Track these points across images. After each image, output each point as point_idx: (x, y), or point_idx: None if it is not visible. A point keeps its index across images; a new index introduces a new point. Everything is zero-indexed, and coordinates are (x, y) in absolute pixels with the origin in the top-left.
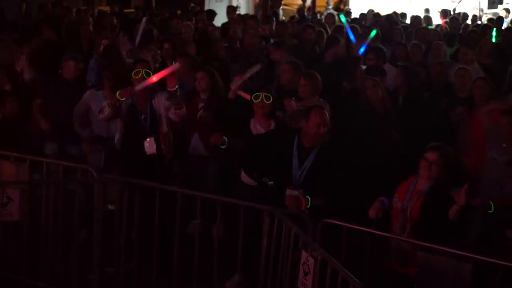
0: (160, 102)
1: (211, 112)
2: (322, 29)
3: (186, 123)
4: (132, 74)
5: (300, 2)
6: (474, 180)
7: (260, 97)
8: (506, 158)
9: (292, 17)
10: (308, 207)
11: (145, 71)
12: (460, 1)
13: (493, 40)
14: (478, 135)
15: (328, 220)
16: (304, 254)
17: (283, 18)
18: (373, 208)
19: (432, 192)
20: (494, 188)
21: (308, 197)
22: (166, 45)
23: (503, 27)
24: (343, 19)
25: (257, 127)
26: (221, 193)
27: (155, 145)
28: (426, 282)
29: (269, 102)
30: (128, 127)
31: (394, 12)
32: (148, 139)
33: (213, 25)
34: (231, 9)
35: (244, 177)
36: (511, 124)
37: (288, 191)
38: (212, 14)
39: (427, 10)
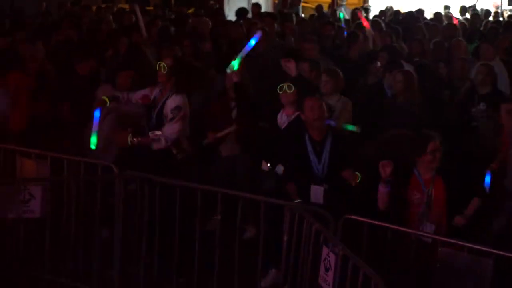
0: (171, 103)
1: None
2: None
3: (220, 123)
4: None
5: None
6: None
7: (284, 88)
8: None
9: (312, 15)
10: (358, 182)
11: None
12: None
13: None
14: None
15: (349, 216)
16: (325, 250)
17: (303, 15)
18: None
19: (440, 173)
20: None
21: (358, 174)
22: (186, 42)
23: None
24: (341, 15)
25: (282, 116)
26: (244, 190)
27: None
28: (447, 278)
29: (291, 91)
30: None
31: (418, 10)
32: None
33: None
34: (256, 7)
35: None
36: None
37: (313, 188)
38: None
39: (447, 7)
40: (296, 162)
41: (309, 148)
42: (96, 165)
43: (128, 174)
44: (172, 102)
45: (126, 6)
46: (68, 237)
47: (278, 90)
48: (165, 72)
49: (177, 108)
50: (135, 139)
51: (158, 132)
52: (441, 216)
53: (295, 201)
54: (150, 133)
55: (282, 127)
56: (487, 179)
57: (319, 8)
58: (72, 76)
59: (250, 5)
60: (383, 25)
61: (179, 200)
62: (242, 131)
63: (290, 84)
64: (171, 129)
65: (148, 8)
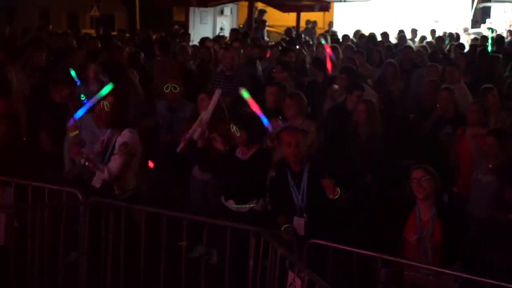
0: (119, 139)
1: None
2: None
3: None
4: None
5: (283, 23)
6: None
7: (233, 128)
8: (491, 179)
9: (283, 39)
10: (337, 197)
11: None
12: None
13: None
14: (468, 156)
15: (314, 241)
16: (291, 275)
17: (268, 39)
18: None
19: (441, 212)
20: (481, 209)
21: (338, 189)
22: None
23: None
24: (323, 41)
25: (239, 155)
26: (208, 215)
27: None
28: None
29: (238, 134)
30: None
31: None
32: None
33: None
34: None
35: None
36: (496, 144)
37: (296, 219)
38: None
39: (414, 31)
40: (280, 195)
41: (290, 179)
42: (60, 191)
43: (93, 200)
44: (121, 138)
45: (92, 31)
46: (33, 264)
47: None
48: (107, 110)
49: (124, 144)
50: (83, 160)
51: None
52: (436, 257)
53: (285, 226)
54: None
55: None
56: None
57: (287, 31)
58: (47, 103)
59: (216, 30)
60: (355, 49)
61: (144, 225)
62: (211, 157)
63: (236, 126)
64: (114, 162)
65: (112, 32)
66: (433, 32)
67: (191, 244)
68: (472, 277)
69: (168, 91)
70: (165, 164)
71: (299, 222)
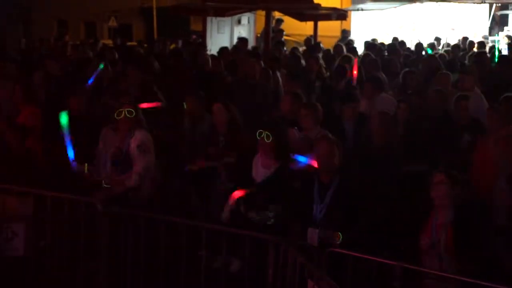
0: (136, 140)
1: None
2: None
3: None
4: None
5: (301, 32)
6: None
7: (262, 134)
8: None
9: (294, 48)
10: (338, 242)
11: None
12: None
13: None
14: (488, 162)
15: (333, 249)
16: (310, 284)
17: (285, 48)
18: None
19: (458, 220)
20: (505, 216)
21: (340, 233)
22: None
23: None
24: None
25: (258, 164)
26: (227, 225)
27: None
28: None
29: (268, 141)
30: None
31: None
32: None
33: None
34: (243, 43)
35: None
36: None
37: (310, 230)
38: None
39: (438, 39)
40: (299, 203)
41: (316, 190)
42: (79, 202)
43: (111, 210)
44: (135, 141)
45: (110, 42)
46: (52, 275)
47: (257, 134)
48: (131, 116)
49: (141, 144)
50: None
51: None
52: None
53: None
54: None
55: (256, 176)
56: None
57: (307, 41)
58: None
59: (233, 39)
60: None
61: (163, 235)
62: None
63: (269, 132)
64: (138, 164)
65: (130, 43)
66: (437, 39)
67: (211, 254)
68: (493, 285)
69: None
70: (185, 174)
71: (313, 234)
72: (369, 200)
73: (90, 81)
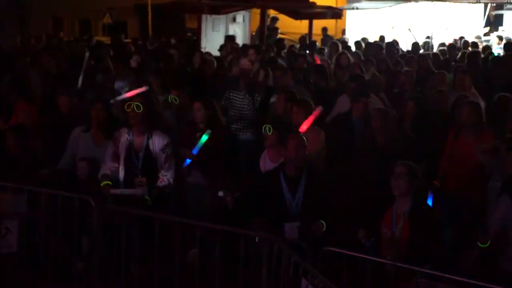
0: (158, 142)
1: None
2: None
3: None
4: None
5: (296, 31)
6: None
7: (265, 128)
8: None
9: (291, 46)
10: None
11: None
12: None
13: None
14: (462, 158)
15: (328, 248)
16: (304, 282)
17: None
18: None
19: (413, 210)
20: None
21: (323, 221)
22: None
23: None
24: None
25: (266, 158)
26: (220, 222)
27: (145, 187)
28: None
29: (270, 133)
30: (126, 165)
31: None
32: (137, 179)
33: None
34: (230, 40)
35: None
36: None
37: (287, 225)
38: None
39: (428, 37)
40: (269, 200)
41: (284, 185)
42: (73, 198)
43: (105, 207)
44: (159, 141)
45: (104, 39)
46: (45, 271)
47: (262, 129)
48: (139, 111)
49: (167, 145)
50: (111, 191)
51: (143, 179)
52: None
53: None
54: (136, 180)
55: (263, 168)
56: (429, 200)
57: (302, 39)
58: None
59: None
60: (362, 57)
61: (157, 232)
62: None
63: (270, 125)
64: (171, 167)
65: (126, 40)
66: (427, 38)
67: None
68: (484, 284)
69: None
70: None
71: (291, 228)
72: (340, 191)
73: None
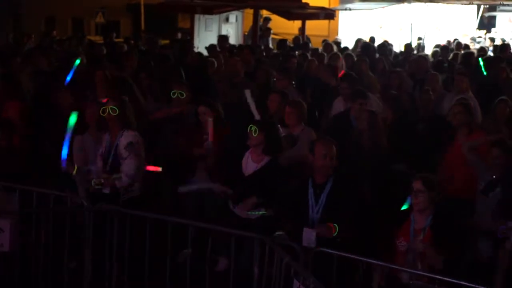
0: (124, 140)
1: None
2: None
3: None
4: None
5: (289, 31)
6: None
7: (251, 128)
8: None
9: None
10: (335, 235)
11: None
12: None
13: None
14: (458, 160)
15: (319, 248)
16: (296, 283)
17: (272, 47)
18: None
19: (435, 224)
20: (487, 220)
21: (336, 225)
22: (142, 75)
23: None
24: None
25: (248, 159)
26: (213, 222)
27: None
28: None
29: (255, 135)
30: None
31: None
32: (95, 180)
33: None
34: (222, 40)
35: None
36: (500, 155)
37: (307, 230)
38: None
39: (420, 38)
40: (292, 204)
41: (310, 191)
42: (65, 197)
43: (97, 206)
44: (124, 139)
45: (97, 38)
46: (38, 270)
47: (248, 129)
48: (115, 114)
49: (130, 144)
50: (97, 181)
51: (100, 180)
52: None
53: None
54: (113, 176)
55: (245, 171)
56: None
57: (296, 39)
58: (49, 108)
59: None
60: (355, 59)
61: (149, 232)
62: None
63: (257, 127)
64: (127, 166)
65: (117, 39)
66: (419, 39)
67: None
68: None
69: (174, 96)
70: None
71: (310, 234)
72: (363, 199)
73: (68, 78)
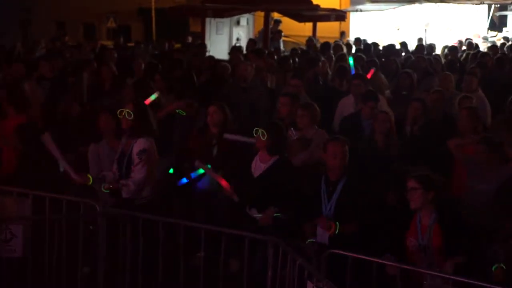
0: (138, 146)
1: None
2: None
3: (199, 157)
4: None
5: (299, 33)
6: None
7: (258, 132)
8: (486, 187)
9: (294, 49)
10: (336, 233)
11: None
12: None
13: None
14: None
15: (333, 251)
16: (309, 285)
17: (283, 49)
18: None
19: (440, 221)
20: (477, 215)
21: (337, 222)
22: (157, 77)
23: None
24: (351, 61)
25: (257, 161)
26: (226, 226)
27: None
28: None
29: (264, 138)
30: (118, 168)
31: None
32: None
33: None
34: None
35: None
36: (486, 151)
37: (320, 229)
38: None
39: (420, 40)
40: (307, 202)
41: (323, 188)
42: (78, 203)
43: (110, 211)
44: (137, 146)
45: (108, 43)
46: (50, 276)
47: (253, 132)
48: (130, 118)
49: (143, 151)
50: (106, 185)
51: (109, 185)
52: (440, 261)
53: (309, 241)
54: (120, 181)
55: (254, 169)
56: None
57: (309, 41)
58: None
59: (232, 40)
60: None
61: (162, 236)
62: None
63: (264, 130)
64: (138, 173)
65: (129, 44)
66: (420, 40)
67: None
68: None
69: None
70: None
71: (323, 232)
72: (375, 197)
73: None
